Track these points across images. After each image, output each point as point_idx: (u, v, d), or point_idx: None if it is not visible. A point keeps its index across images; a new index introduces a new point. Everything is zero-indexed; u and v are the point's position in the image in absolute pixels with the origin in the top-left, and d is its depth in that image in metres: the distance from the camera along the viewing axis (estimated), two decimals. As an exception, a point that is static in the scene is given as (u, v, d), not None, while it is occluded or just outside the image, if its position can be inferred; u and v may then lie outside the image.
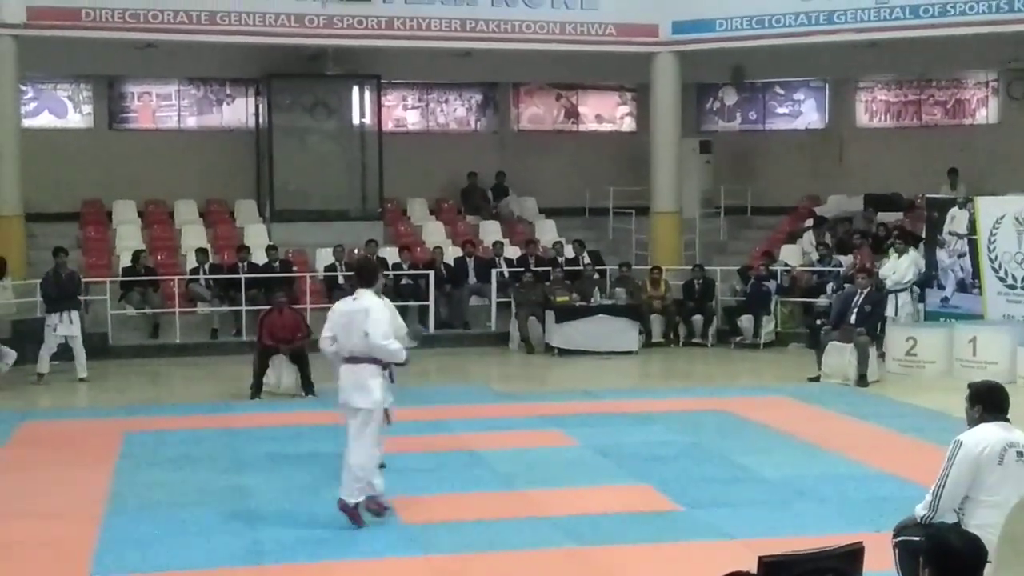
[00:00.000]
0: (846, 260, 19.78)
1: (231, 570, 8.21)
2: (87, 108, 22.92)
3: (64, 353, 16.40)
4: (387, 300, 9.62)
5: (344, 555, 8.50)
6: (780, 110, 25.66)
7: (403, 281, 20.06)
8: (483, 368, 17.95)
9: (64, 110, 22.92)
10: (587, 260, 21.15)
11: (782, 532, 8.64)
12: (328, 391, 14.10)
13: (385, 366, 9.11)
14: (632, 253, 22.32)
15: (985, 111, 23.94)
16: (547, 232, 22.90)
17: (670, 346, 19.69)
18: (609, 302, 19.38)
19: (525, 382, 16.98)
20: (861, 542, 5.59)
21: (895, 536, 6.61)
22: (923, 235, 18.91)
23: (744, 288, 20.08)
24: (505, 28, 20.77)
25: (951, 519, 6.35)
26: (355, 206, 22.75)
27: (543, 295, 19.37)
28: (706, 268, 20.76)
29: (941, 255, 17.99)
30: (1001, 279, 17.10)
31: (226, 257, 20.69)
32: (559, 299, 19.12)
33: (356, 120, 23.12)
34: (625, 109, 25.90)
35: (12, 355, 15.89)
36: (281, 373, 15.19)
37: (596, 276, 20.43)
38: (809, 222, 22.33)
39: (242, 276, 19.36)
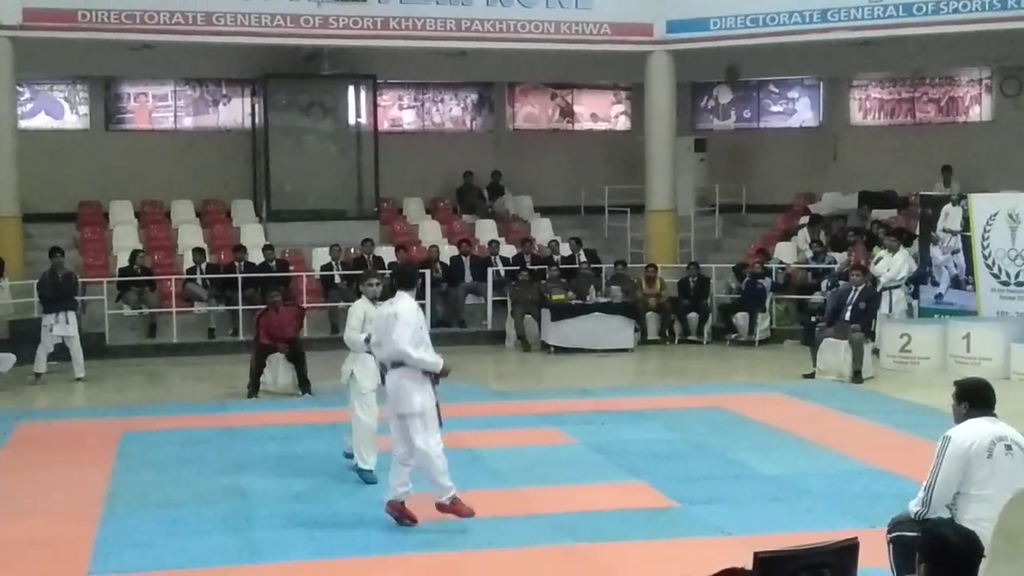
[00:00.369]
0: (840, 257, 19.83)
1: (228, 569, 8.24)
2: (83, 109, 22.93)
3: (61, 353, 16.42)
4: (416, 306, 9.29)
5: (341, 553, 8.53)
6: (774, 108, 25.71)
7: (399, 280, 20.07)
8: (479, 366, 17.96)
9: (60, 111, 22.94)
10: (583, 258, 21.19)
11: (777, 528, 8.69)
12: (325, 390, 14.21)
13: (433, 377, 8.98)
14: (627, 251, 22.37)
15: (978, 108, 23.99)
16: (543, 231, 22.94)
17: (666, 344, 19.73)
18: (605, 300, 19.41)
19: (521, 380, 17.02)
20: (856, 538, 5.63)
21: (889, 532, 6.65)
22: (917, 232, 18.98)
23: (739, 285, 20.13)
24: (500, 28, 20.80)
25: (944, 515, 6.40)
26: (351, 206, 22.77)
27: (539, 293, 19.41)
28: (701, 266, 20.80)
29: (935, 252, 18.05)
30: (995, 276, 17.16)
31: (223, 257, 20.70)
32: (555, 297, 19.16)
33: (352, 120, 23.15)
34: (620, 108, 25.95)
35: (11, 359, 15.90)
36: (278, 372, 15.22)
37: (592, 274, 20.47)
38: (804, 219, 22.38)
39: (239, 276, 19.39)
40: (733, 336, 19.60)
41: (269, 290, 16.31)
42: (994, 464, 6.35)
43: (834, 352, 15.96)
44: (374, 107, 23.00)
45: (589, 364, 17.92)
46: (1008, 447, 6.41)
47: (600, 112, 25.93)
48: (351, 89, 22.98)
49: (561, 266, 20.46)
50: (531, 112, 25.60)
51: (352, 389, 10.48)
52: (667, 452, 11.63)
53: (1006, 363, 15.75)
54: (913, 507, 6.52)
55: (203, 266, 19.88)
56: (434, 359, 8.98)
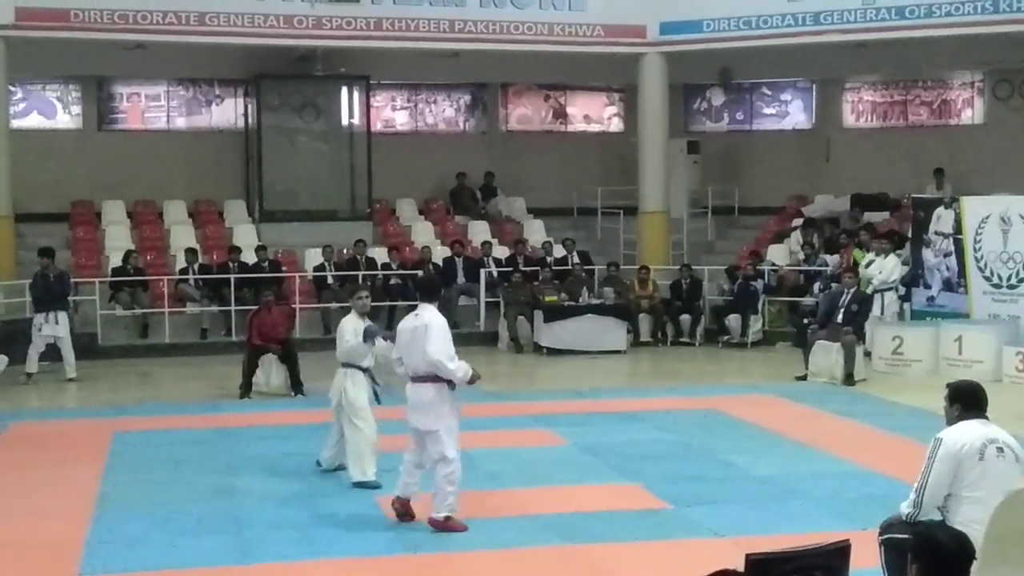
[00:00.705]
0: (833, 260, 19.86)
1: (219, 569, 8.22)
2: (76, 109, 22.90)
3: (53, 353, 16.40)
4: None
5: (332, 554, 8.52)
6: (767, 111, 25.75)
7: (392, 281, 20.10)
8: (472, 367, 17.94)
9: (53, 111, 22.90)
10: (576, 260, 21.20)
11: (769, 530, 8.69)
12: (317, 391, 14.19)
13: (452, 386, 8.95)
14: (620, 253, 22.37)
15: (971, 111, 24.05)
16: (535, 232, 22.95)
17: (658, 345, 19.75)
18: (597, 302, 19.44)
19: (514, 381, 17.01)
20: (848, 540, 5.64)
21: (881, 534, 6.66)
22: (909, 234, 19.01)
23: (732, 287, 20.15)
24: (493, 29, 20.80)
25: (935, 516, 6.41)
26: (344, 206, 22.77)
27: (532, 295, 19.42)
28: (694, 268, 20.82)
29: (927, 255, 18.07)
30: (987, 278, 17.19)
31: (215, 257, 20.69)
32: (547, 299, 19.17)
33: (345, 121, 23.15)
34: (613, 110, 25.96)
35: (3, 362, 15.82)
36: (270, 372, 15.22)
37: (584, 276, 20.48)
38: (797, 222, 22.41)
39: (231, 276, 19.37)
40: (726, 338, 19.62)
41: (262, 291, 16.30)
42: (985, 466, 6.36)
43: (826, 354, 15.98)
44: (367, 108, 23.00)
45: (582, 365, 17.93)
46: (1000, 449, 6.42)
47: (593, 114, 25.95)
48: (344, 90, 22.97)
49: (554, 267, 20.47)
50: (524, 113, 25.61)
51: (345, 407, 10.42)
52: (659, 453, 11.64)
53: (998, 366, 15.78)
54: (904, 508, 6.53)
55: (195, 266, 19.86)
56: (465, 369, 8.95)
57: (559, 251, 21.47)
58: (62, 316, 16.42)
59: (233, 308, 19.10)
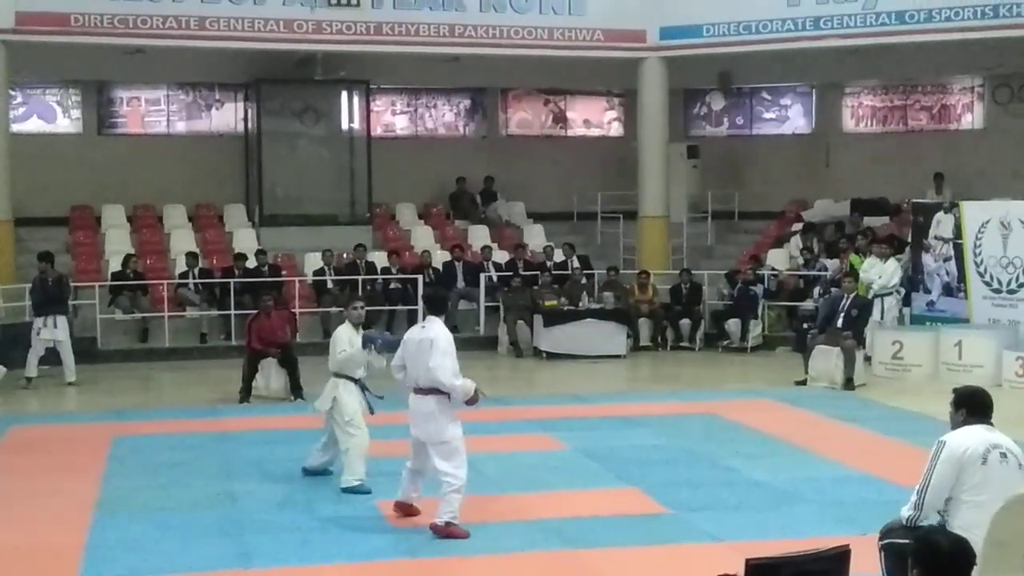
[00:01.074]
0: (832, 264, 19.85)
1: (219, 574, 8.23)
2: (76, 113, 22.92)
3: (53, 357, 16.39)
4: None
5: (333, 559, 8.52)
6: (767, 115, 25.76)
7: (392, 285, 20.10)
8: (471, 372, 17.75)
9: (53, 115, 22.92)
10: (576, 264, 21.20)
11: (769, 535, 8.71)
12: (317, 395, 14.14)
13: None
14: (620, 257, 22.36)
15: (970, 116, 24.06)
16: (535, 236, 22.96)
17: (658, 350, 19.75)
18: (597, 306, 19.43)
19: (514, 386, 17.00)
20: (847, 544, 5.65)
21: (881, 539, 6.66)
22: (909, 239, 19.02)
23: (731, 292, 20.14)
24: (493, 33, 20.81)
25: (935, 520, 6.41)
26: (344, 211, 22.78)
27: (531, 299, 19.42)
28: (693, 272, 20.80)
29: (927, 259, 18.08)
30: (987, 283, 17.18)
31: (215, 261, 20.69)
32: (547, 303, 19.17)
33: (345, 125, 23.15)
34: (613, 114, 25.99)
35: (1, 370, 15.80)
36: (270, 377, 15.22)
37: (584, 280, 20.47)
38: (797, 226, 22.42)
39: (231, 281, 19.36)
40: (725, 343, 19.62)
41: (261, 295, 16.29)
42: (988, 471, 6.36)
43: (826, 359, 15.98)
44: (367, 112, 23.01)
45: (581, 370, 17.93)
46: (1003, 455, 6.42)
47: (593, 118, 25.97)
48: (344, 94, 22.98)
49: (554, 272, 20.47)
50: (524, 118, 25.63)
51: (336, 416, 10.42)
52: (659, 458, 11.64)
53: (998, 371, 15.78)
54: (905, 512, 6.54)
55: (196, 271, 19.85)
56: (466, 388, 8.98)
57: (559, 255, 21.48)
58: (62, 320, 16.42)
59: (232, 312, 19.10)
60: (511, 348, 19.33)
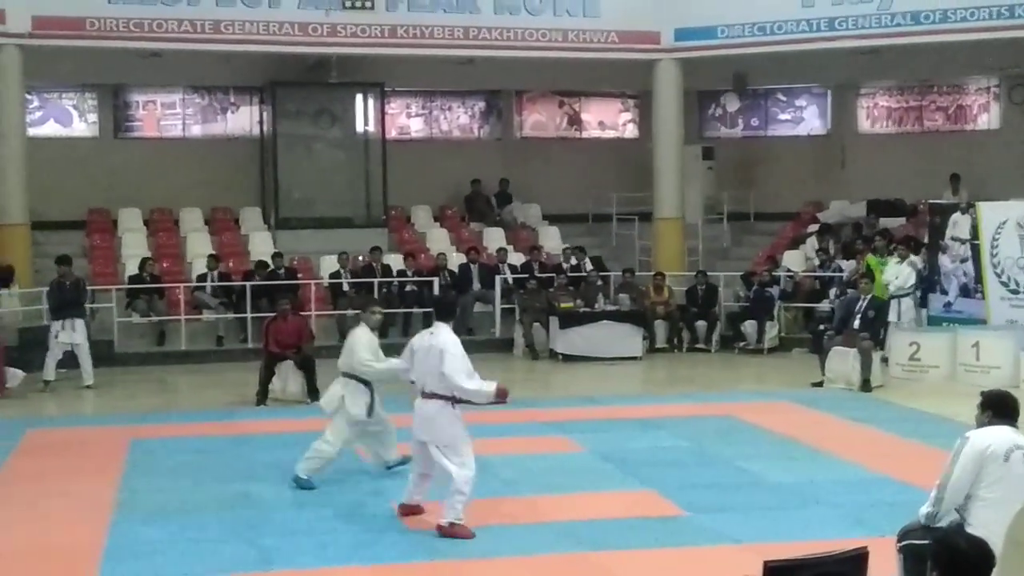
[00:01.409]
0: (848, 265, 19.81)
1: (238, 576, 8.26)
2: (92, 117, 23.02)
3: (70, 360, 16.45)
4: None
5: (350, 561, 8.53)
6: (782, 116, 25.74)
7: (407, 288, 20.12)
8: (487, 374, 17.77)
9: (69, 119, 23.02)
10: (590, 266, 21.19)
11: (787, 537, 8.68)
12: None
13: (456, 402, 8.99)
14: (635, 259, 22.38)
15: (987, 117, 24.01)
16: (550, 238, 22.97)
17: (674, 352, 19.73)
18: (613, 308, 19.42)
19: (529, 388, 16.97)
20: (866, 546, 5.64)
21: (899, 540, 6.65)
22: (925, 240, 18.98)
23: (747, 294, 20.13)
24: (508, 36, 20.83)
25: (954, 517, 6.40)
26: (359, 213, 22.81)
27: (547, 301, 19.42)
28: (709, 274, 20.79)
29: (944, 260, 18.03)
30: (1004, 284, 17.13)
31: (231, 265, 20.73)
32: (563, 305, 19.17)
33: (360, 128, 23.20)
34: (627, 116, 25.99)
35: (19, 375, 15.89)
36: (287, 380, 15.23)
37: (600, 282, 20.47)
38: (812, 228, 22.37)
39: (247, 284, 19.39)
40: (741, 344, 19.59)
41: (278, 298, 16.31)
42: (1010, 469, 6.37)
43: (843, 360, 15.95)
44: (382, 115, 23.05)
45: (597, 372, 17.93)
46: (1027, 456, 6.44)
47: (608, 120, 25.97)
48: (359, 97, 23.04)
49: (569, 274, 20.47)
50: (539, 120, 25.64)
51: (339, 414, 10.45)
52: (676, 460, 11.62)
53: (1016, 372, 15.71)
54: (924, 509, 6.53)
55: (215, 273, 19.87)
56: (487, 388, 8.98)
57: (573, 259, 21.45)
58: (79, 323, 16.47)
59: (249, 315, 19.14)
60: (527, 350, 19.33)
